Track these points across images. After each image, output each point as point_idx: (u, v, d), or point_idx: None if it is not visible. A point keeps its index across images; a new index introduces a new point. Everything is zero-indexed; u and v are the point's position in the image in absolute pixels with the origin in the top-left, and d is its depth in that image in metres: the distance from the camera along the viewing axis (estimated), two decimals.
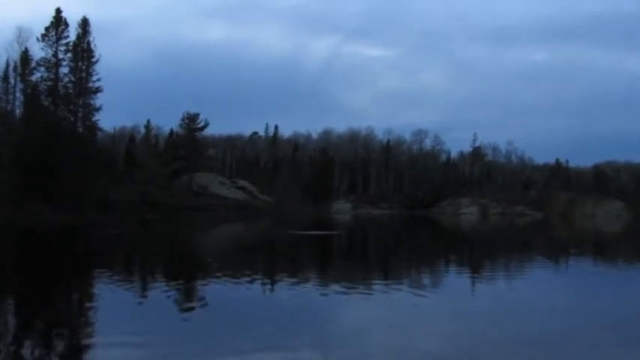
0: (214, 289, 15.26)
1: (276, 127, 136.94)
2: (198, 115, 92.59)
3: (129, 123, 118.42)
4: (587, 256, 30.68)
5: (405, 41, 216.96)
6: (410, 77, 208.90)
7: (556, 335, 10.16)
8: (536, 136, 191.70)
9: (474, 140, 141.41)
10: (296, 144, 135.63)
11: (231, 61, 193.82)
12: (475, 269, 22.07)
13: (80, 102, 61.67)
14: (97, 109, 62.81)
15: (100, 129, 69.08)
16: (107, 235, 37.14)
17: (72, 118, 61.61)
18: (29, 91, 58.84)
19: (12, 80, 58.16)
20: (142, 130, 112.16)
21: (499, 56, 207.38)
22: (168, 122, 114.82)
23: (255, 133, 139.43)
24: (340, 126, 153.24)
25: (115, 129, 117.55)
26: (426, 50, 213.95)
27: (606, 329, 10.87)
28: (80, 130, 62.36)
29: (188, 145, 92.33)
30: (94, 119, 63.91)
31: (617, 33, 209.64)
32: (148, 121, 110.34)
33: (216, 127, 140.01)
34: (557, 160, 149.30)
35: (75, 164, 54.77)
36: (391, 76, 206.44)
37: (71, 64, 60.84)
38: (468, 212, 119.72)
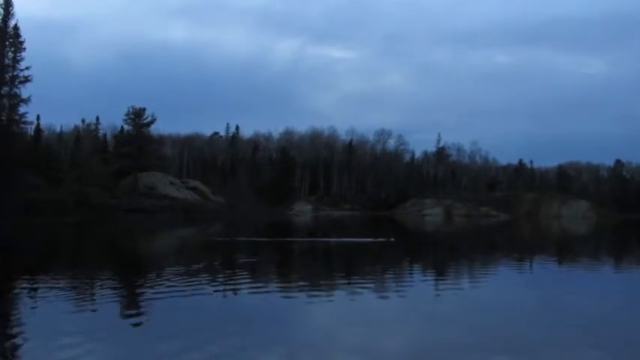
0: None
1: (237, 127, 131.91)
2: (144, 110, 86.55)
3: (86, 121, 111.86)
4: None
5: (368, 43, 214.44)
6: (373, 79, 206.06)
7: (519, 335, 10.15)
8: (500, 137, 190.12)
9: (438, 141, 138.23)
10: (256, 144, 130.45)
11: (195, 61, 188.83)
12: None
13: (4, 92, 55.66)
14: (25, 101, 56.97)
15: (28, 122, 62.76)
16: None
17: None
18: None
19: None
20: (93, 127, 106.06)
21: (462, 59, 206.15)
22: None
23: (216, 133, 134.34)
24: (303, 127, 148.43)
25: (61, 126, 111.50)
26: (390, 52, 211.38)
27: (570, 329, 10.75)
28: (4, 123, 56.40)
29: (134, 142, 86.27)
30: (21, 112, 58.05)
31: (577, 36, 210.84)
32: (97, 118, 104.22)
33: (177, 127, 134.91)
34: (520, 161, 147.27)
35: None
36: (355, 77, 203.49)
37: None
38: (432, 213, 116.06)
